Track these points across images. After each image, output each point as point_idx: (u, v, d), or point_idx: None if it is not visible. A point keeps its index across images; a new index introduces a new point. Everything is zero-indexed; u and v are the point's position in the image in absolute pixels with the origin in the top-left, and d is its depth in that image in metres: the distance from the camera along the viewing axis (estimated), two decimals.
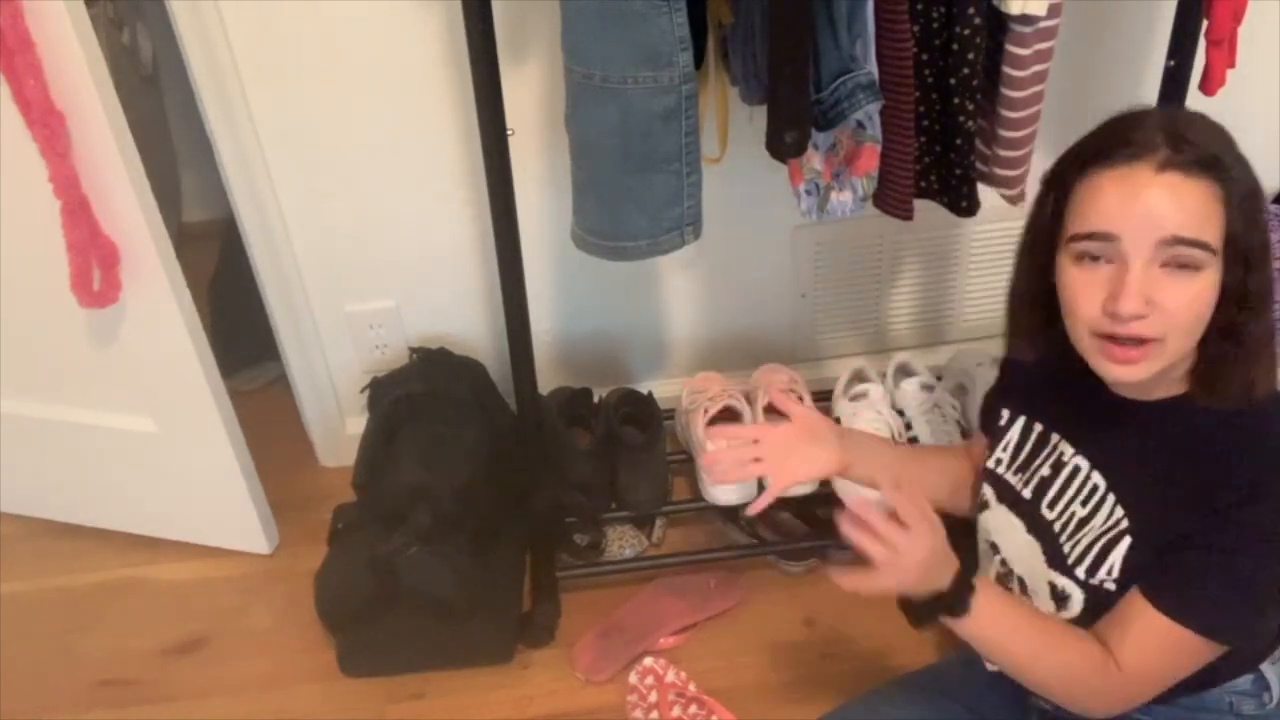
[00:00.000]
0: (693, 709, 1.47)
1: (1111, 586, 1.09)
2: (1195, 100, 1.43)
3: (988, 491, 1.25)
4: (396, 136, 1.61)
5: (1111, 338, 1.01)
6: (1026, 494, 1.19)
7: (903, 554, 1.03)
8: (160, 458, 1.69)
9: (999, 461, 1.24)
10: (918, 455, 1.51)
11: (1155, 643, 1.05)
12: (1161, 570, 1.05)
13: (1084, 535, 1.12)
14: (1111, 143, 1.01)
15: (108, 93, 1.34)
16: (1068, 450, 1.16)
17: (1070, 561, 1.12)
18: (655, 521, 1.75)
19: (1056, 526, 1.15)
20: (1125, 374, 1.02)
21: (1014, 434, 1.23)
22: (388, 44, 1.53)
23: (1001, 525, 1.23)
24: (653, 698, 1.48)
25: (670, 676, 1.50)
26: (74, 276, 1.42)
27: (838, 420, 1.72)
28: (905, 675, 1.42)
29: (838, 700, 1.38)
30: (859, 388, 1.77)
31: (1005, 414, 1.25)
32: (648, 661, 1.52)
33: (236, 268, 1.83)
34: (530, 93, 1.55)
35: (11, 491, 1.85)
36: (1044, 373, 1.18)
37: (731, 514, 1.74)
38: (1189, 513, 1.04)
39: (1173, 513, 1.05)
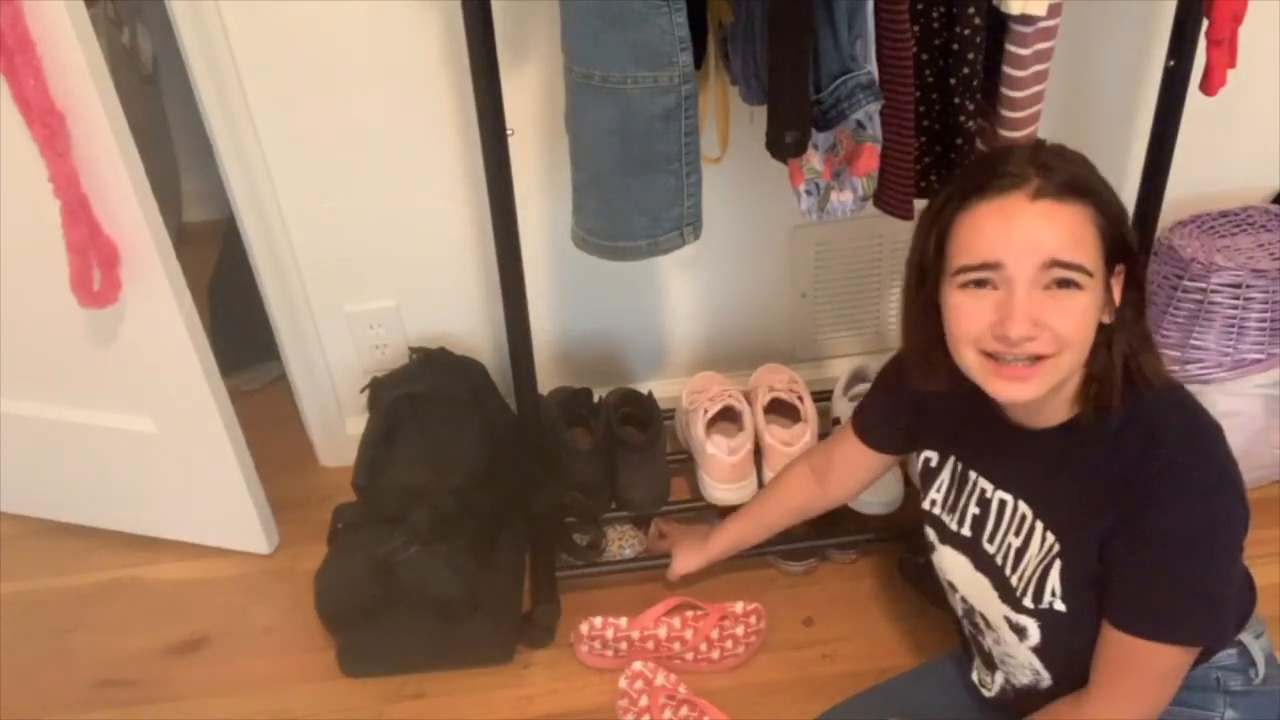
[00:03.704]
0: (684, 710, 1.47)
1: (1061, 607, 1.11)
2: (1196, 100, 1.43)
3: (930, 533, 1.29)
4: (396, 137, 1.61)
5: (998, 357, 1.04)
6: (966, 532, 1.22)
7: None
8: (160, 458, 1.69)
9: (934, 503, 1.27)
10: (760, 508, 1.57)
11: (1136, 662, 1.07)
12: (1119, 597, 1.08)
13: (1025, 565, 1.14)
14: (986, 177, 1.05)
15: (108, 93, 1.33)
16: (988, 486, 1.19)
17: (1018, 593, 1.15)
18: (655, 521, 1.75)
19: (999, 560, 1.18)
20: (1017, 392, 1.05)
21: (944, 476, 1.26)
22: (388, 44, 1.53)
23: (951, 564, 1.26)
24: (643, 702, 1.47)
25: (660, 680, 1.50)
26: (74, 276, 1.42)
27: (836, 421, 1.73)
28: (903, 674, 1.43)
29: (837, 700, 1.39)
30: (859, 388, 1.77)
31: (934, 456, 1.28)
32: (636, 666, 1.51)
33: (236, 268, 1.83)
34: (530, 93, 1.55)
35: (11, 491, 1.85)
36: (954, 409, 1.20)
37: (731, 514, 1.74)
38: (1109, 526, 1.06)
39: (1094, 529, 1.08)
